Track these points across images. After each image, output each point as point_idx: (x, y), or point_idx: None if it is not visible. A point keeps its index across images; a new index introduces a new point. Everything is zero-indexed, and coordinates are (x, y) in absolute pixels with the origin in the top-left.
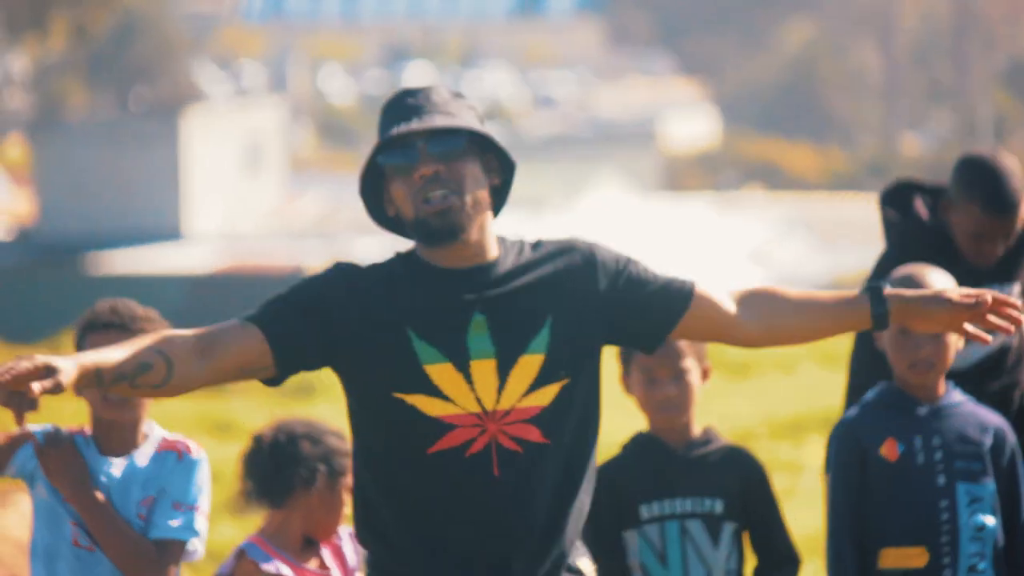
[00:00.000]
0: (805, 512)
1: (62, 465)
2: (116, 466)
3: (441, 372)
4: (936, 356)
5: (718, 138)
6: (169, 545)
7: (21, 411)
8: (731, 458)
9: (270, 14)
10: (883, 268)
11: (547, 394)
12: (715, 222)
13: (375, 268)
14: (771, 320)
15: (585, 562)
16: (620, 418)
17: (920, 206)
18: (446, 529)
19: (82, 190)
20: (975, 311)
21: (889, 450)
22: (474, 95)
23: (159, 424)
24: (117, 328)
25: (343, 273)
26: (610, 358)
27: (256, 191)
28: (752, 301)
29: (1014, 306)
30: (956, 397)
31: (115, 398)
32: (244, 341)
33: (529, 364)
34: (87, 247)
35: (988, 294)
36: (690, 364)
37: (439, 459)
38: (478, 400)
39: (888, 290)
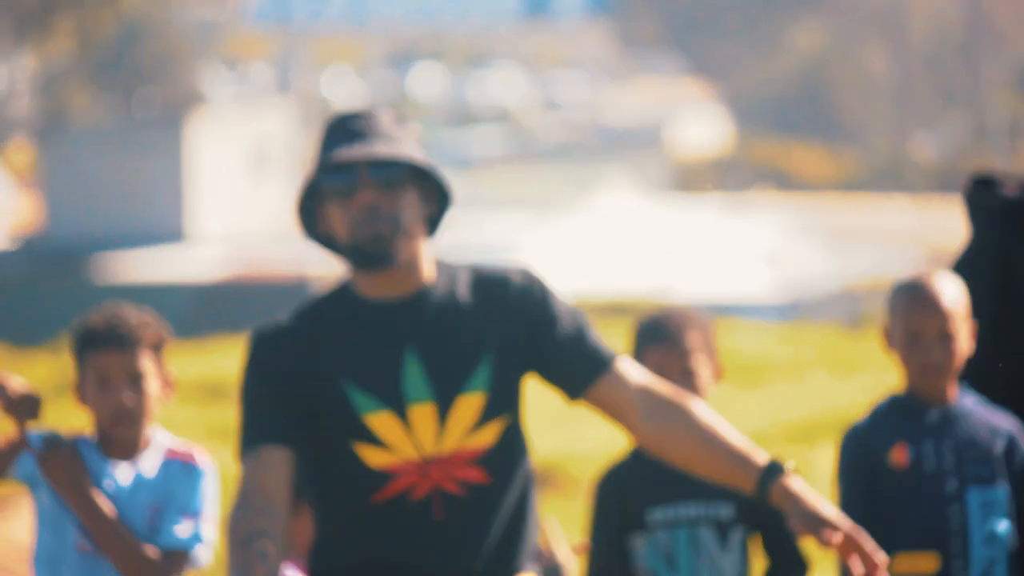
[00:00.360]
0: None
1: (61, 469)
2: (122, 472)
3: (380, 420)
4: (946, 360)
5: (728, 140)
6: (174, 553)
7: (23, 418)
8: None
9: (275, 17)
10: (971, 254)
11: (491, 432)
12: (725, 224)
13: (300, 318)
14: (666, 436)
15: None
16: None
17: (1010, 189)
18: (392, 573)
19: (88, 194)
20: (826, 544)
21: (899, 455)
22: (482, 97)
23: (167, 431)
24: (115, 346)
25: (267, 343)
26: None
27: (262, 195)
28: (661, 407)
29: (871, 558)
30: (967, 401)
31: (123, 420)
32: (277, 468)
33: (469, 403)
34: (93, 252)
35: (838, 536)
36: (700, 362)
37: (383, 508)
38: (417, 446)
39: (785, 478)
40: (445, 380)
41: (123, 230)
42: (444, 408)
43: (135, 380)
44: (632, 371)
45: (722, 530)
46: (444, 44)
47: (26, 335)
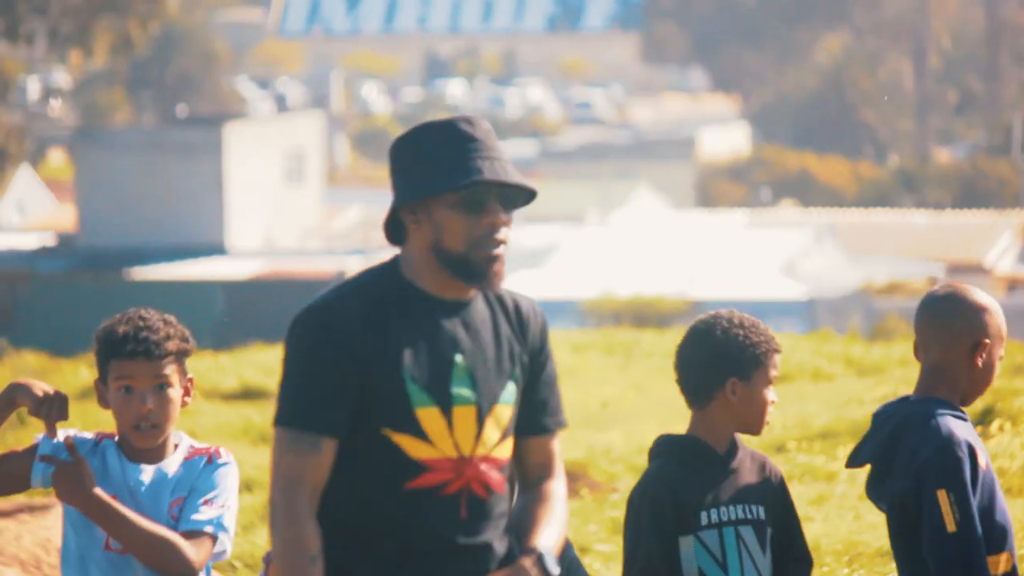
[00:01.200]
0: (838, 520)
1: (66, 481)
2: (146, 472)
3: (429, 416)
4: None
5: (751, 152)
6: (196, 536)
7: (52, 420)
8: (762, 463)
9: (310, 27)
10: None
11: (508, 447)
12: (748, 235)
13: (358, 300)
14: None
15: None
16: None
17: None
18: (412, 553)
19: (123, 203)
20: None
21: (982, 459)
22: (512, 110)
23: (205, 431)
24: (143, 355)
25: (335, 320)
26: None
27: (296, 204)
28: (536, 489)
29: None
30: None
31: (146, 427)
32: (328, 463)
33: (501, 414)
34: (128, 259)
35: None
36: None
37: (414, 495)
38: (456, 446)
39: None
40: (486, 387)
41: (158, 238)
42: (483, 413)
43: (160, 387)
44: (556, 445)
45: (760, 531)
46: (475, 58)
47: (62, 342)
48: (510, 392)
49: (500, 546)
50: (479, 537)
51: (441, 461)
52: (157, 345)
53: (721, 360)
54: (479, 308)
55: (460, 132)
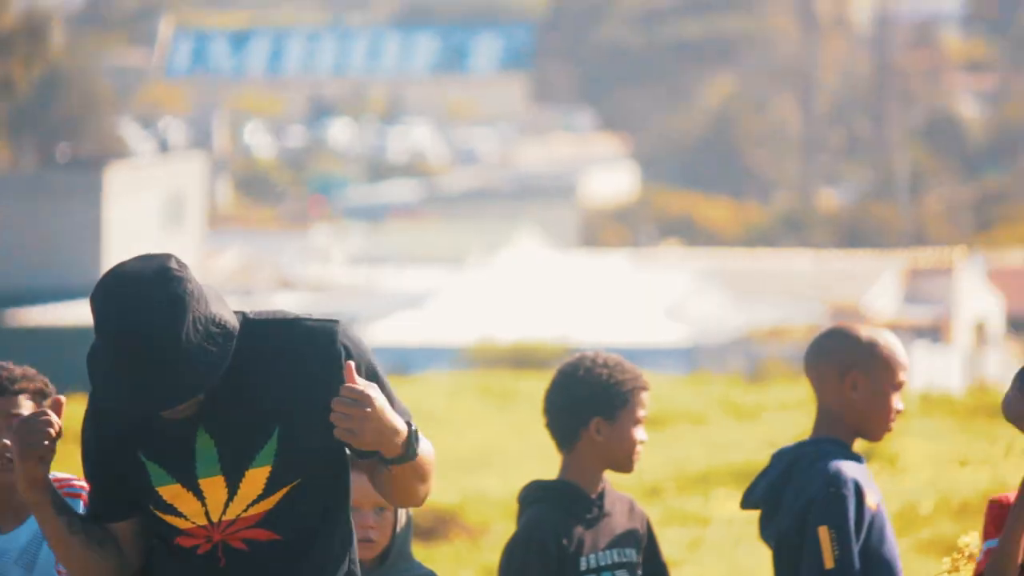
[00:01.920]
0: (713, 566)
1: None
2: (19, 535)
3: (173, 492)
4: None
5: (637, 193)
6: None
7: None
8: (630, 505)
9: (195, 69)
10: None
11: (273, 500)
12: (633, 277)
13: None
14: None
15: None
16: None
17: None
18: None
19: (2, 245)
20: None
21: (872, 500)
22: (397, 151)
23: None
24: None
25: (93, 403)
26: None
27: (177, 246)
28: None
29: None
30: None
31: (3, 462)
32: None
33: (256, 477)
34: (6, 303)
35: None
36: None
37: (179, 551)
38: (207, 514)
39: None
40: (234, 456)
41: (37, 281)
42: (234, 480)
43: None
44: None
45: (632, 573)
46: (360, 98)
47: None
48: (268, 452)
49: None
50: None
51: (193, 529)
52: (11, 380)
53: (584, 401)
54: (234, 371)
55: (100, 353)
